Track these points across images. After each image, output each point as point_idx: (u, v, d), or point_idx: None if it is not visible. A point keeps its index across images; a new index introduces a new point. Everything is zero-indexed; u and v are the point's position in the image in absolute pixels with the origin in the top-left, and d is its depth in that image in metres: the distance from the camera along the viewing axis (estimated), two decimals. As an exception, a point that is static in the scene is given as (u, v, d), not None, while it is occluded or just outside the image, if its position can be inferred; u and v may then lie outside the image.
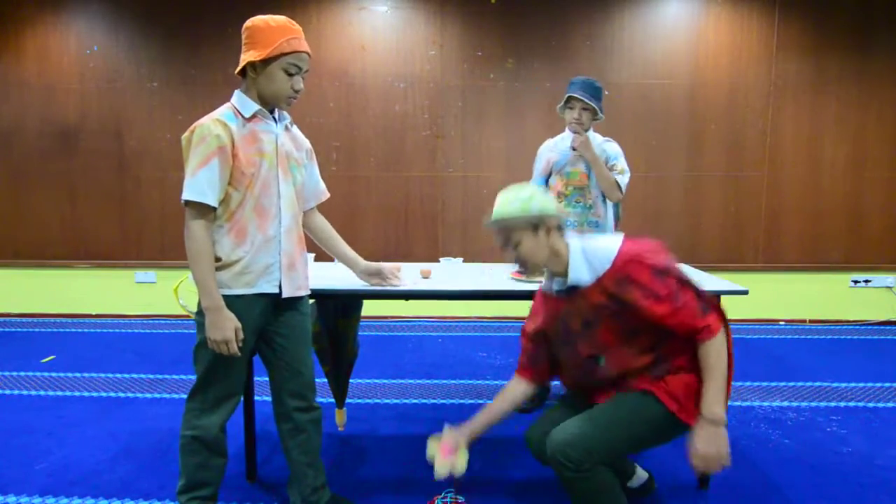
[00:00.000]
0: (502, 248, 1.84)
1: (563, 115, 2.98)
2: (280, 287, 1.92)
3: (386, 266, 2.28)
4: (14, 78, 4.92)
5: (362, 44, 4.83)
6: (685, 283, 1.73)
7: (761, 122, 4.83)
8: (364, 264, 2.28)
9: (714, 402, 1.70)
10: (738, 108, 4.81)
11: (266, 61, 1.81)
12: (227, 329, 1.79)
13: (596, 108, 2.88)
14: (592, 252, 1.77)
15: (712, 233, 4.92)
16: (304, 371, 2.04)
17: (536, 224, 1.77)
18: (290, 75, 1.84)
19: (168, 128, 4.92)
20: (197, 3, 4.79)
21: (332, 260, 2.88)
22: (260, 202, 1.85)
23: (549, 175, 3.10)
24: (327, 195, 2.23)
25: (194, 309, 1.92)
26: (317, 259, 2.79)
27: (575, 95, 2.87)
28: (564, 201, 3.02)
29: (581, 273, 1.77)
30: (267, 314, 1.95)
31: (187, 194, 1.77)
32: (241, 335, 1.84)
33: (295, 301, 2.01)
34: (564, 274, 1.81)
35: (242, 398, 2.45)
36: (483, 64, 4.83)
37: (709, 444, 1.68)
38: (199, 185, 1.77)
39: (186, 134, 1.81)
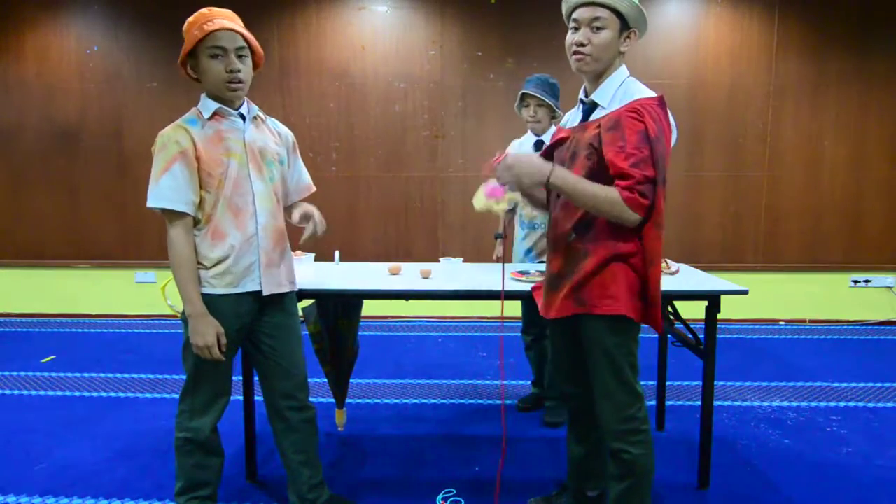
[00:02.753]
0: (577, 28, 1.74)
1: (521, 114, 3.00)
2: (261, 285, 1.90)
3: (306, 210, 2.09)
4: (14, 78, 4.92)
5: (362, 44, 4.83)
6: (656, 162, 1.65)
7: (761, 122, 4.82)
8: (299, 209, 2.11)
9: (564, 175, 1.67)
10: (738, 108, 4.81)
11: (192, 56, 1.80)
12: (208, 335, 1.80)
13: (552, 104, 2.88)
14: (627, 86, 1.76)
15: (712, 233, 4.92)
16: (294, 371, 2.03)
17: (631, 25, 1.75)
18: (219, 58, 1.78)
19: (168, 128, 4.92)
20: (197, 3, 4.78)
21: (331, 259, 2.88)
22: (233, 202, 1.84)
23: None
24: (312, 189, 2.16)
25: (181, 308, 1.93)
26: (317, 259, 2.79)
27: (528, 92, 2.87)
28: None
29: (606, 95, 1.76)
30: (252, 314, 1.94)
31: (150, 201, 1.78)
32: (224, 340, 1.84)
33: (280, 300, 1.99)
34: (597, 78, 1.79)
35: (242, 398, 2.46)
36: (483, 64, 4.83)
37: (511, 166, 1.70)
38: (162, 191, 1.77)
39: (153, 144, 1.82)
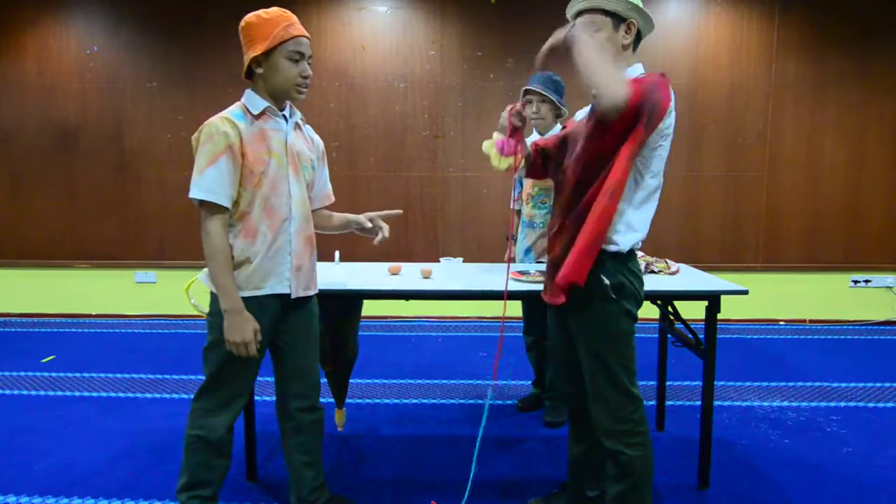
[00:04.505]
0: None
1: (524, 111, 2.98)
2: (290, 287, 1.91)
3: (367, 217, 2.21)
4: (14, 78, 4.92)
5: (362, 44, 4.83)
6: (643, 94, 1.65)
7: (761, 122, 4.83)
8: (354, 217, 2.22)
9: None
10: (738, 108, 4.81)
11: (267, 53, 1.81)
12: (246, 331, 1.79)
13: (555, 100, 2.88)
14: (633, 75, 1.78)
15: (712, 233, 4.92)
16: (310, 372, 2.04)
17: (624, 18, 1.76)
18: (295, 62, 1.83)
19: (168, 128, 4.92)
20: (197, 3, 4.79)
21: (331, 259, 2.88)
22: (269, 202, 1.84)
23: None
24: (332, 200, 2.20)
25: (206, 309, 1.92)
26: (319, 259, 2.78)
27: (531, 88, 2.87)
28: (531, 202, 3.02)
29: None
30: (278, 315, 1.94)
31: (194, 192, 1.77)
32: (260, 336, 1.84)
33: (304, 301, 2.01)
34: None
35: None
36: (483, 64, 4.83)
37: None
38: (207, 183, 1.76)
39: (196, 133, 1.81)
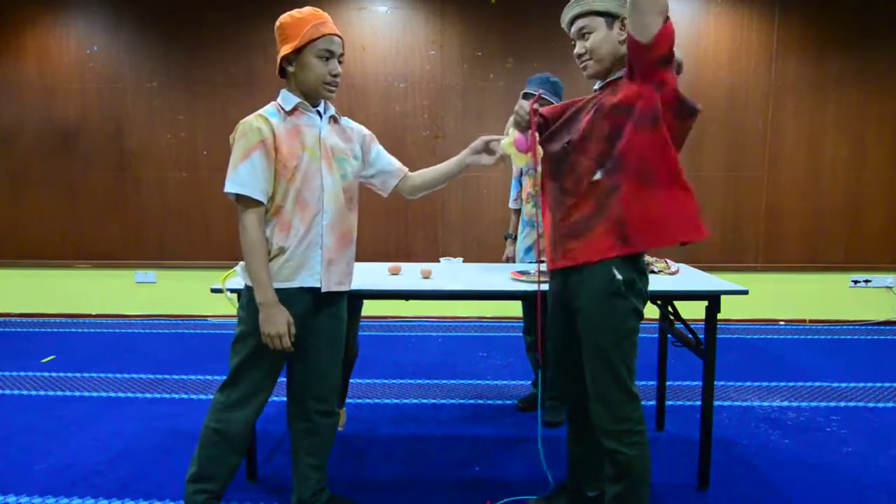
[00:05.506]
0: (574, 39, 1.85)
1: None
2: (321, 281, 1.92)
3: (481, 141, 2.10)
4: (14, 78, 4.92)
5: (362, 44, 4.83)
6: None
7: (761, 122, 4.83)
8: (466, 152, 2.11)
9: None
10: (738, 108, 4.81)
11: (298, 51, 1.84)
12: (280, 324, 1.81)
13: (554, 102, 2.88)
14: None
15: (712, 233, 4.92)
16: (331, 376, 2.05)
17: (615, 16, 1.78)
18: (325, 60, 1.85)
19: (168, 128, 4.92)
20: (197, 3, 4.79)
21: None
22: (302, 195, 1.87)
23: (521, 176, 3.15)
24: (405, 170, 2.18)
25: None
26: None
27: (531, 91, 2.88)
28: (532, 201, 3.03)
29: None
30: (309, 309, 1.95)
31: (228, 186, 1.81)
32: (294, 330, 1.85)
33: (333, 302, 2.01)
34: (606, 76, 1.84)
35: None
36: (483, 64, 4.83)
37: None
38: (240, 177, 1.80)
39: (233, 132, 1.86)
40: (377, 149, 2.14)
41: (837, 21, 4.71)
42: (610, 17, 1.79)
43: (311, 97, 1.91)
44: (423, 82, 4.86)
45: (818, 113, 4.81)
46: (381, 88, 4.87)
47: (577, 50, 1.86)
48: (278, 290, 1.85)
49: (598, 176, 1.78)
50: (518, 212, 3.22)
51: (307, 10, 1.86)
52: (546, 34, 4.74)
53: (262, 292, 1.81)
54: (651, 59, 1.66)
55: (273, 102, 1.92)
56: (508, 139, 1.99)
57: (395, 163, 2.18)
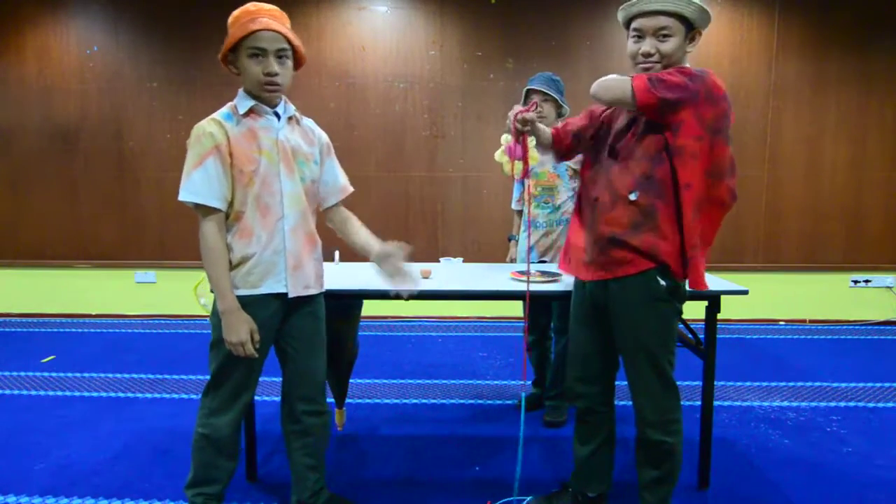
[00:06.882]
0: (640, 37, 1.78)
1: None
2: (287, 287, 1.88)
3: (390, 248, 1.95)
4: (14, 78, 4.92)
5: (362, 44, 4.83)
6: (681, 86, 1.73)
7: (761, 122, 4.83)
8: (378, 248, 1.97)
9: None
10: (738, 108, 4.81)
11: (234, 53, 1.78)
12: (242, 332, 1.78)
13: (557, 99, 2.89)
14: None
15: (712, 233, 4.91)
16: (315, 376, 2.02)
17: (696, 26, 1.79)
18: (258, 58, 1.75)
19: (168, 128, 4.92)
20: (197, 3, 4.79)
21: (331, 259, 2.88)
22: (262, 200, 1.81)
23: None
24: (350, 190, 2.12)
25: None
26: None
27: (533, 88, 2.89)
28: (534, 202, 3.03)
29: None
30: (279, 315, 1.92)
31: (182, 194, 1.76)
32: (257, 336, 1.82)
33: (306, 303, 1.97)
34: None
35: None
36: (483, 64, 4.83)
37: None
38: (194, 185, 1.75)
39: (189, 138, 1.81)
40: (330, 160, 2.06)
41: (837, 21, 4.71)
42: (691, 27, 1.78)
43: (262, 99, 1.82)
44: (423, 82, 4.86)
45: (818, 113, 4.81)
46: (381, 88, 4.87)
47: (644, 48, 1.76)
48: (246, 297, 1.82)
49: (636, 193, 1.80)
50: (521, 213, 3.23)
51: (248, 5, 1.76)
52: (546, 34, 4.73)
53: (222, 300, 1.77)
54: (654, 115, 1.73)
55: (229, 104, 1.83)
56: (500, 149, 1.98)
57: (340, 181, 2.09)
